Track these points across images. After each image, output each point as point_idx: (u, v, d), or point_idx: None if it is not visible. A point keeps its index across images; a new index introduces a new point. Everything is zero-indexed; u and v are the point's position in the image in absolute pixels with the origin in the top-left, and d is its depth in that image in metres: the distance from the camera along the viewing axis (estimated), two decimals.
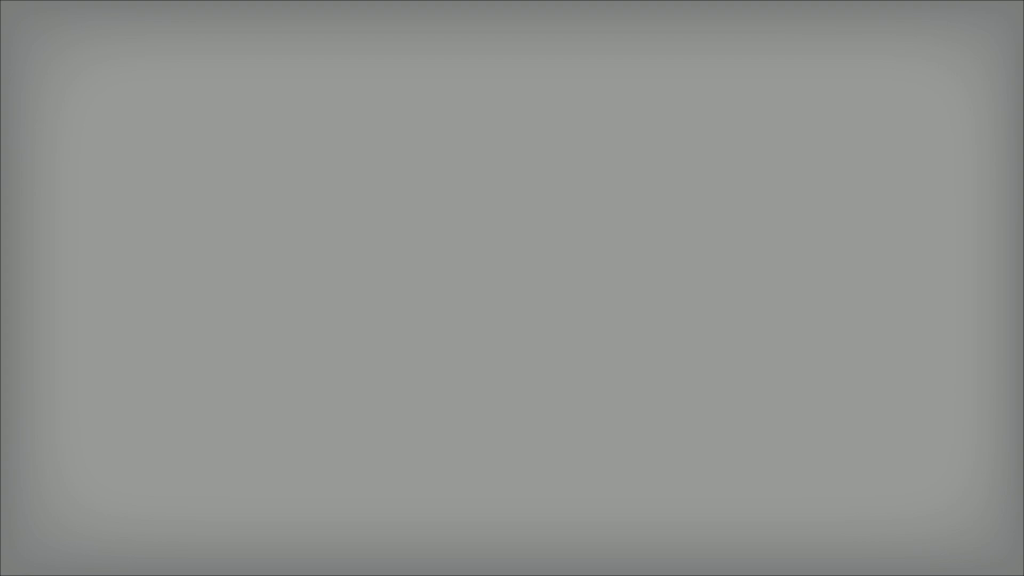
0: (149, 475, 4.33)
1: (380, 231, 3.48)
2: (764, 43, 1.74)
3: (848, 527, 1.43)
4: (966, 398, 1.48)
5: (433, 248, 2.25)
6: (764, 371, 1.51)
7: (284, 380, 4.15)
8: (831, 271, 1.56)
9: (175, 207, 4.14)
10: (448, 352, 3.53)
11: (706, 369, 1.58)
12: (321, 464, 4.03)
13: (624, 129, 1.62)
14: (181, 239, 4.01)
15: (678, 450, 1.51)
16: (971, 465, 1.50)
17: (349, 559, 3.93)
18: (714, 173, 1.71)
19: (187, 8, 3.65)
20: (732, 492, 1.46)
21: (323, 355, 4.01)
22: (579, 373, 1.55)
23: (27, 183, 4.18)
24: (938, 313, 1.53)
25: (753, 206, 1.56)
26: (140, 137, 4.22)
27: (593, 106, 1.58)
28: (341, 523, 3.78)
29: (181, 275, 3.52)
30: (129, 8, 3.70)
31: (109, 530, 4.37)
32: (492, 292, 2.84)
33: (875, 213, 1.61)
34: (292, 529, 3.89)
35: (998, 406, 1.53)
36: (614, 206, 1.88)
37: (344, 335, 3.96)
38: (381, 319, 3.59)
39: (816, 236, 1.54)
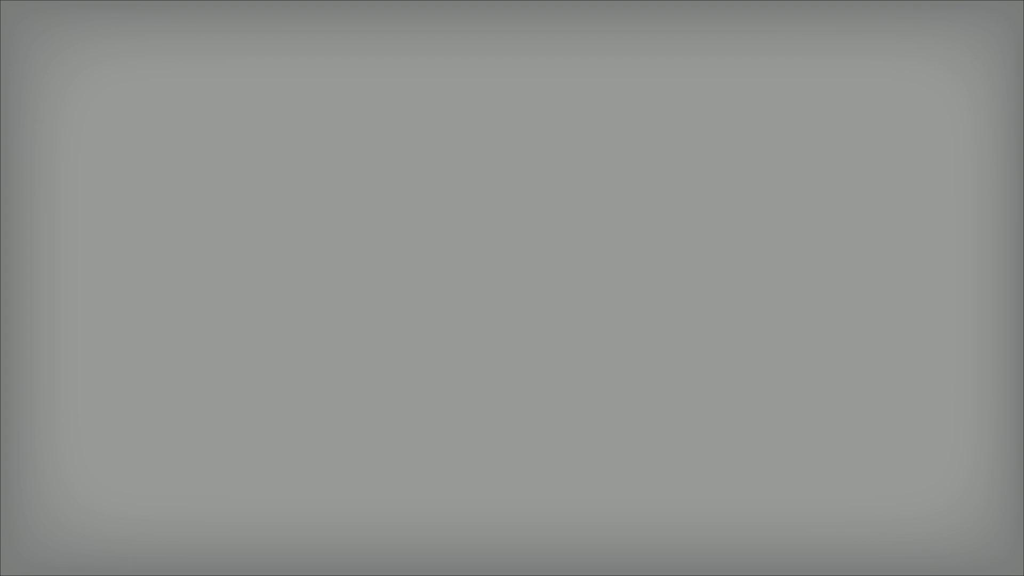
0: (149, 475, 4.33)
1: (380, 231, 3.46)
2: (764, 43, 1.74)
3: (848, 527, 1.43)
4: (966, 398, 1.47)
5: (433, 248, 2.23)
6: (763, 370, 1.51)
7: (284, 380, 4.14)
8: (830, 271, 1.55)
9: (175, 207, 4.13)
10: (448, 352, 3.52)
11: (705, 368, 1.57)
12: (321, 464, 4.02)
13: (624, 129, 1.62)
14: (181, 239, 3.99)
15: (677, 450, 1.50)
16: (971, 465, 1.50)
17: (349, 559, 3.92)
18: (714, 173, 1.70)
19: (187, 8, 3.63)
20: (732, 492, 1.45)
21: (323, 355, 4.00)
22: (578, 373, 1.54)
23: (27, 183, 4.18)
24: (938, 313, 1.53)
25: (753, 206, 1.55)
26: (140, 137, 4.21)
27: (593, 106, 1.58)
28: (341, 523, 3.76)
29: (181, 275, 3.50)
30: (129, 8, 3.68)
31: (109, 530, 4.37)
32: (492, 292, 2.82)
33: (875, 213, 1.61)
34: (292, 529, 3.88)
35: (998, 406, 1.53)
36: (614, 206, 1.88)
37: (344, 335, 3.95)
38: (381, 319, 3.58)
39: (815, 237, 1.54)
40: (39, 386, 4.26)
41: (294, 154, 3.17)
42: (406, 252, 2.48)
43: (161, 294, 3.17)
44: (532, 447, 1.72)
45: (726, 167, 1.62)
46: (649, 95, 1.71)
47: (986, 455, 1.52)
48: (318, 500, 3.84)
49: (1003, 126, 1.77)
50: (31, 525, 4.26)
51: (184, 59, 3.52)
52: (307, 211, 2.57)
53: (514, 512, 1.95)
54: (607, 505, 1.45)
